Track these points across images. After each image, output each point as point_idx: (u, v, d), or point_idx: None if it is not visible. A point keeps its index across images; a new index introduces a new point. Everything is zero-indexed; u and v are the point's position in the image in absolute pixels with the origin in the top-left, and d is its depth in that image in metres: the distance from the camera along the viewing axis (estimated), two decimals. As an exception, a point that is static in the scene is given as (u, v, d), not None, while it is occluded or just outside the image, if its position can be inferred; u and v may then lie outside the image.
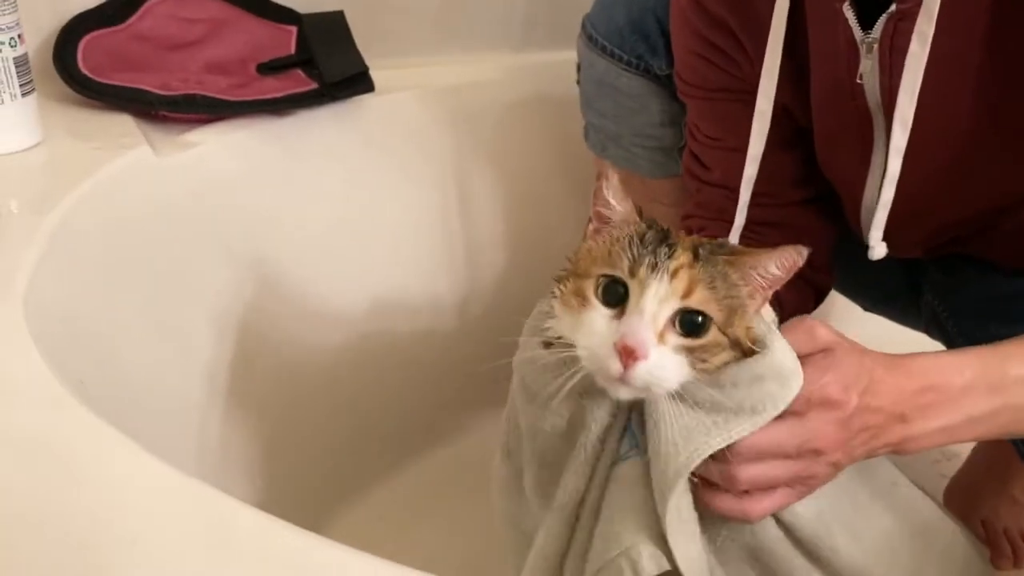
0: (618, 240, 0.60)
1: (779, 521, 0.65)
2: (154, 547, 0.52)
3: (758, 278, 0.60)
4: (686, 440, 0.58)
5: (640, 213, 0.63)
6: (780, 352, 0.59)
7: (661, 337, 0.57)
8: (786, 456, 0.60)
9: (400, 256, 1.18)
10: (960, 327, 0.90)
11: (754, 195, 0.81)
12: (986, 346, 0.65)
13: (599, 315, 0.59)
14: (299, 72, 1.15)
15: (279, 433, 1.05)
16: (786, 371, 0.59)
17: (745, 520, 0.62)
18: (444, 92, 1.22)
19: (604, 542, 0.61)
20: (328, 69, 1.13)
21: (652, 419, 0.60)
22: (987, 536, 1.04)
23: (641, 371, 0.56)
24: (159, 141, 1.02)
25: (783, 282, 0.61)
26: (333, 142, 1.13)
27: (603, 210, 0.63)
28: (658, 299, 0.57)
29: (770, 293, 0.61)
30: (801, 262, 0.59)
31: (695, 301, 0.57)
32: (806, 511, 0.65)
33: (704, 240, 0.62)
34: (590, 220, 0.64)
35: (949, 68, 0.69)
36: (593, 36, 1.01)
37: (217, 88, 1.09)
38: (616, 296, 0.58)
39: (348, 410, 1.13)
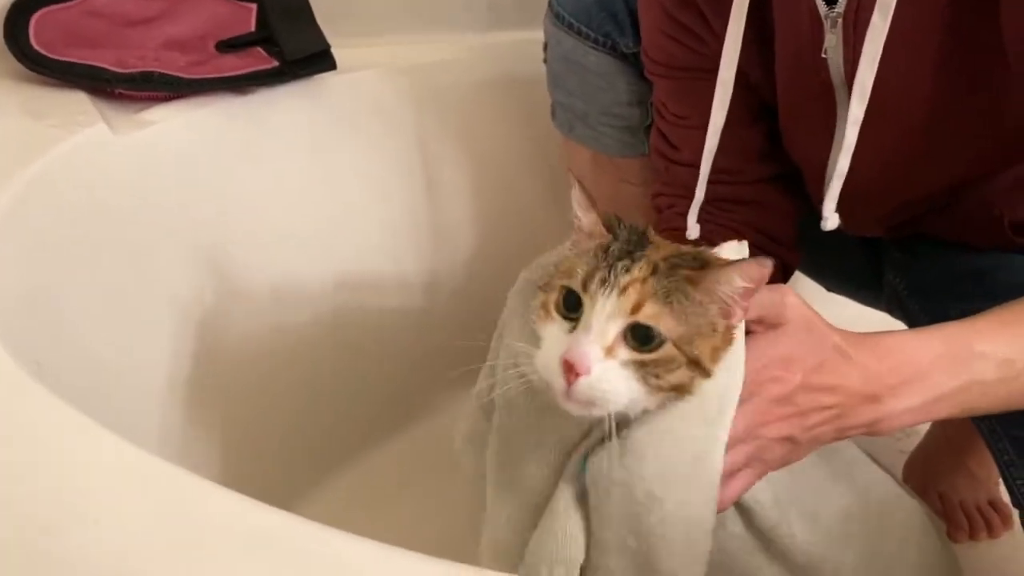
0: (585, 252, 0.60)
1: (740, 509, 0.65)
2: (117, 526, 0.51)
3: (726, 294, 0.58)
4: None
5: (616, 222, 0.62)
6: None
7: (610, 351, 0.56)
8: (739, 441, 0.60)
9: (366, 237, 1.17)
10: (922, 305, 0.91)
11: (720, 172, 0.81)
12: (951, 323, 0.66)
13: (556, 328, 0.59)
14: (259, 50, 1.13)
15: (245, 415, 1.04)
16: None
17: (720, 507, 0.62)
18: (409, 71, 1.21)
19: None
20: (289, 47, 1.11)
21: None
22: (944, 510, 1.06)
23: (583, 386, 0.56)
24: (116, 119, 1.00)
25: (753, 294, 0.59)
26: (295, 121, 1.12)
27: (575, 220, 0.63)
28: (605, 314, 0.56)
29: (746, 306, 0.59)
30: (767, 272, 0.58)
31: (645, 316, 0.56)
32: (764, 497, 0.65)
33: (681, 250, 0.61)
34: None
35: (910, 41, 0.70)
36: (560, 14, 1.01)
37: (175, 66, 1.07)
38: (572, 309, 0.58)
39: (315, 391, 1.12)
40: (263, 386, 1.07)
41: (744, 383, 0.59)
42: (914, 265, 0.93)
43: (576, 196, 0.62)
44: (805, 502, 0.67)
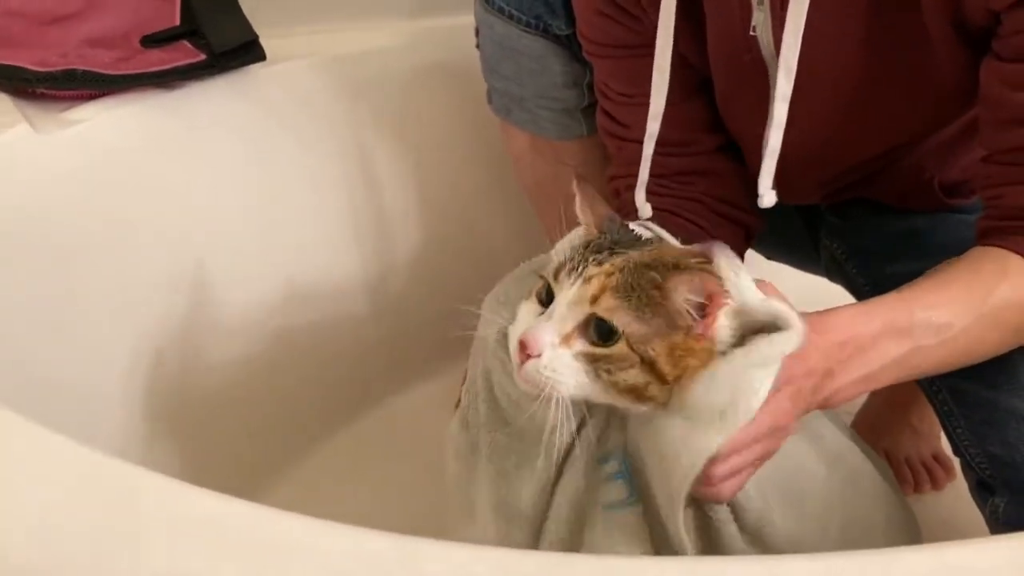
0: (574, 248, 0.62)
1: (730, 505, 0.65)
2: (58, 522, 0.50)
3: (680, 303, 0.57)
4: (685, 442, 0.58)
5: (613, 223, 0.63)
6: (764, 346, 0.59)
7: (566, 340, 0.58)
8: (756, 441, 0.60)
9: (305, 232, 1.15)
10: (859, 268, 0.93)
11: (671, 146, 0.82)
12: (891, 294, 0.67)
13: (530, 310, 0.61)
14: (186, 43, 1.09)
15: (194, 418, 1.02)
16: (771, 358, 0.59)
17: (718, 502, 0.63)
18: (339, 61, 1.19)
19: None
20: (216, 38, 1.09)
21: (642, 434, 0.61)
22: (890, 466, 1.09)
23: (530, 368, 0.58)
24: (39, 119, 0.96)
25: (715, 308, 0.58)
26: (226, 114, 1.09)
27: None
28: (567, 302, 0.58)
29: (711, 321, 0.58)
30: (714, 287, 0.57)
31: (602, 308, 0.57)
32: (751, 487, 0.65)
33: (666, 255, 0.60)
34: None
35: (834, 14, 0.71)
36: (491, -2, 1.00)
37: (99, 63, 1.03)
38: (549, 297, 0.60)
39: (264, 391, 1.10)
40: (210, 389, 1.05)
41: None
42: (850, 230, 0.95)
43: (577, 202, 0.64)
44: (788, 488, 0.68)
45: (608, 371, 0.58)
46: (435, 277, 1.23)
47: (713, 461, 0.58)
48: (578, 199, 0.65)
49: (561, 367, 0.57)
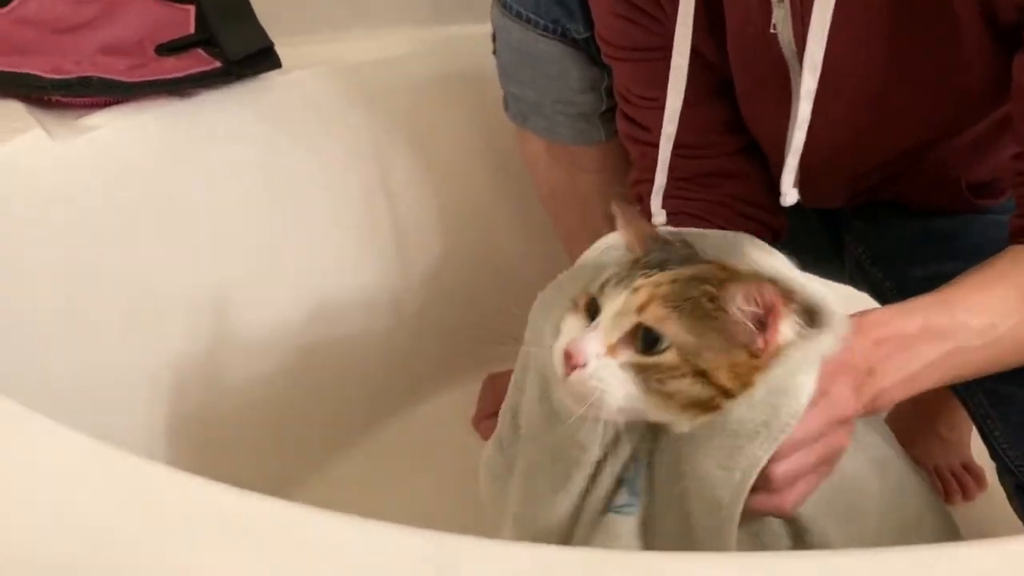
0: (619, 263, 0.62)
1: (791, 524, 0.63)
2: (74, 516, 0.48)
3: (737, 313, 0.56)
4: (731, 458, 0.56)
5: (653, 239, 0.63)
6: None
7: (612, 350, 0.56)
8: (814, 439, 0.58)
9: (323, 241, 1.14)
10: (885, 272, 0.92)
11: (693, 148, 0.81)
12: (930, 294, 0.65)
13: (576, 322, 0.60)
14: (200, 51, 1.09)
15: (213, 429, 1.02)
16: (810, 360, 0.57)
17: (782, 514, 0.60)
18: (354, 69, 1.18)
19: None
20: (230, 46, 1.08)
21: (679, 450, 0.59)
22: (920, 476, 1.07)
23: (575, 378, 0.56)
24: (53, 126, 0.96)
25: (775, 321, 0.56)
26: (241, 122, 1.08)
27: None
28: (614, 311, 0.57)
29: (772, 336, 0.56)
30: (772, 299, 0.56)
31: (651, 317, 0.56)
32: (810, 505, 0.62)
33: (736, 270, 0.60)
34: None
35: (859, 10, 0.70)
36: (508, 3, 0.99)
37: (114, 70, 1.03)
38: (594, 311, 0.59)
39: (282, 404, 1.09)
40: (220, 398, 1.03)
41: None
42: (875, 233, 0.93)
43: (618, 223, 0.65)
44: (845, 504, 0.65)
45: (659, 380, 0.56)
46: (453, 287, 1.22)
47: (774, 460, 0.56)
48: (619, 220, 0.65)
49: (608, 376, 0.56)
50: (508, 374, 0.74)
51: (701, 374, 0.55)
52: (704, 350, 0.55)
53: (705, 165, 0.85)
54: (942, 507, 0.75)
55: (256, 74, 1.10)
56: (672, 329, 0.55)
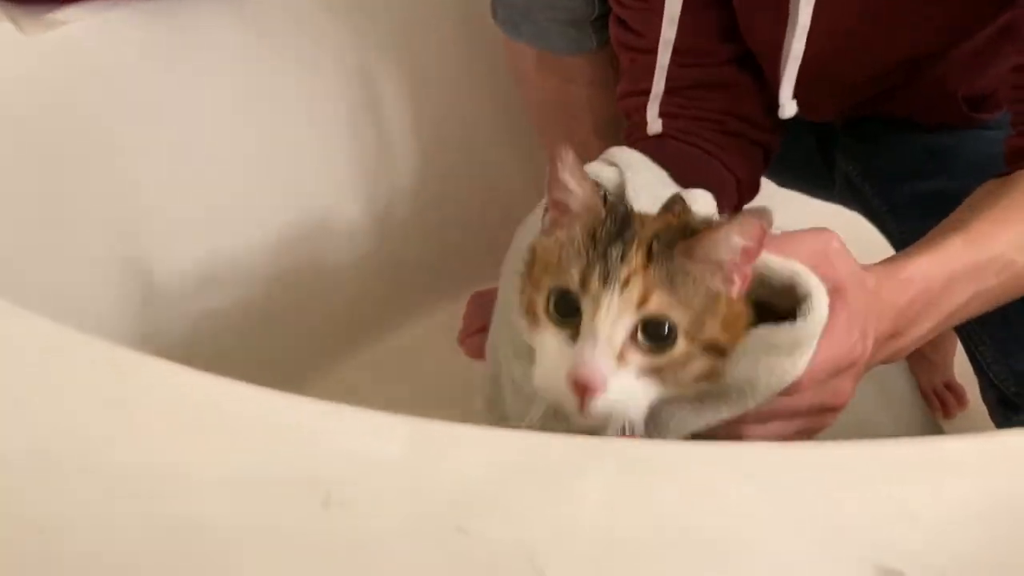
0: (572, 239, 0.52)
1: None
2: (45, 407, 0.47)
3: (724, 259, 0.50)
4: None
5: (605, 198, 0.54)
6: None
7: (621, 358, 0.49)
8: (795, 416, 0.55)
9: (306, 157, 1.11)
10: (876, 188, 0.90)
11: (686, 55, 0.78)
12: (952, 237, 0.62)
13: (551, 337, 0.51)
14: (177, -52, 1.05)
15: (182, 352, 1.00)
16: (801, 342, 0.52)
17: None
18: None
19: None
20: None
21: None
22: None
23: (599, 406, 0.49)
24: (24, 20, 0.92)
25: (757, 254, 0.51)
26: (218, 27, 1.04)
27: (559, 196, 0.53)
28: (611, 316, 0.49)
29: (748, 270, 0.51)
30: (769, 227, 0.50)
31: (654, 308, 0.49)
32: None
33: (668, 222, 0.53)
34: (546, 209, 0.55)
35: None
36: (496, -98, 0.96)
37: (85, -37, 0.98)
38: (568, 311, 0.51)
39: (261, 329, 1.07)
40: (203, 314, 1.02)
41: (826, 361, 0.52)
42: (866, 150, 0.92)
43: (568, 164, 0.52)
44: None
45: (675, 373, 0.50)
46: (439, 202, 1.20)
47: (748, 423, 0.53)
48: (559, 170, 0.53)
49: (630, 389, 0.50)
50: (493, 291, 0.73)
51: (709, 347, 0.51)
52: (703, 318, 0.50)
53: (697, 74, 0.82)
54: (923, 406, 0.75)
55: (236, -26, 1.05)
56: (677, 313, 0.49)
